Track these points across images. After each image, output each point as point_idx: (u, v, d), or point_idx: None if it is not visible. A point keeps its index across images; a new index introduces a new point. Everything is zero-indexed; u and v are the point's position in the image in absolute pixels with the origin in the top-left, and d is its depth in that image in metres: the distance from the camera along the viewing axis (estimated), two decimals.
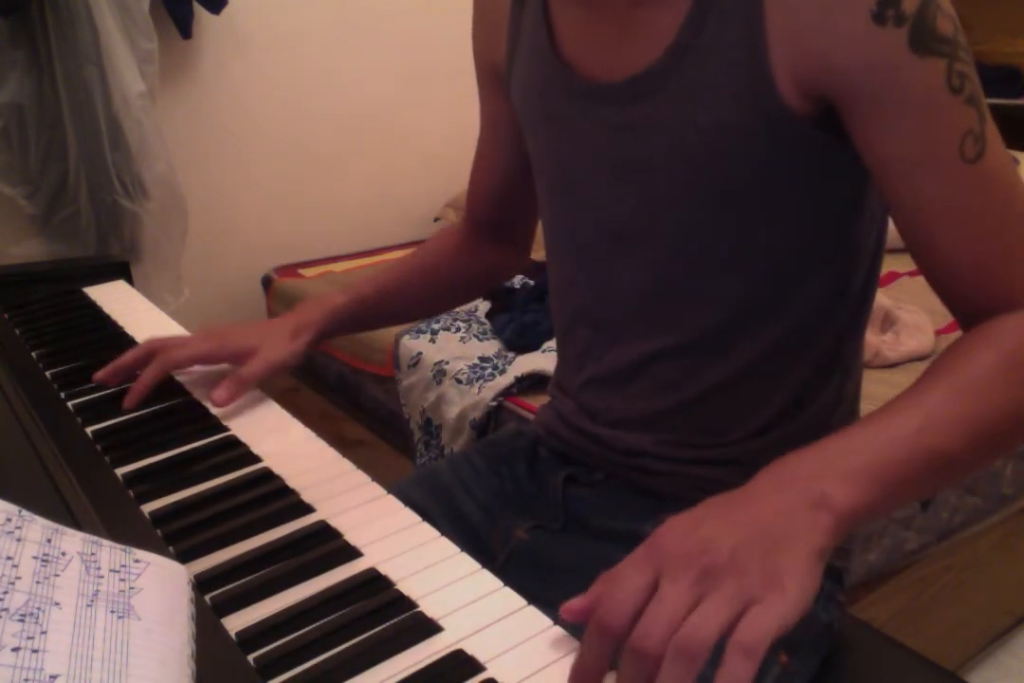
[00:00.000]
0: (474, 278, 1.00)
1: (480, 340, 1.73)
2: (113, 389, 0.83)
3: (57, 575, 0.46)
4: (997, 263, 0.60)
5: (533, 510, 0.82)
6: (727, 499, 0.50)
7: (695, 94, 0.64)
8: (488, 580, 0.57)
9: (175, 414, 0.79)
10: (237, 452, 0.72)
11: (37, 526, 0.48)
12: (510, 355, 1.65)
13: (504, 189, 0.91)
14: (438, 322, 1.78)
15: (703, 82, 0.63)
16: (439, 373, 1.64)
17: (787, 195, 0.66)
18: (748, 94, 0.62)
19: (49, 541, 0.48)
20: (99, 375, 0.82)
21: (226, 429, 0.76)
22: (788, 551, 0.46)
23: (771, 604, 0.43)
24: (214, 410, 0.79)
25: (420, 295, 0.97)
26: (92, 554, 0.49)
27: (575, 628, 0.52)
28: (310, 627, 0.52)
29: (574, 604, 0.48)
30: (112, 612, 0.45)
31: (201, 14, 1.98)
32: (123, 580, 0.48)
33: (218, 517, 0.63)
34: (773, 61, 0.60)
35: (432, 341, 1.73)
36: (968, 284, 0.62)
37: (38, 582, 0.44)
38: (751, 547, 0.45)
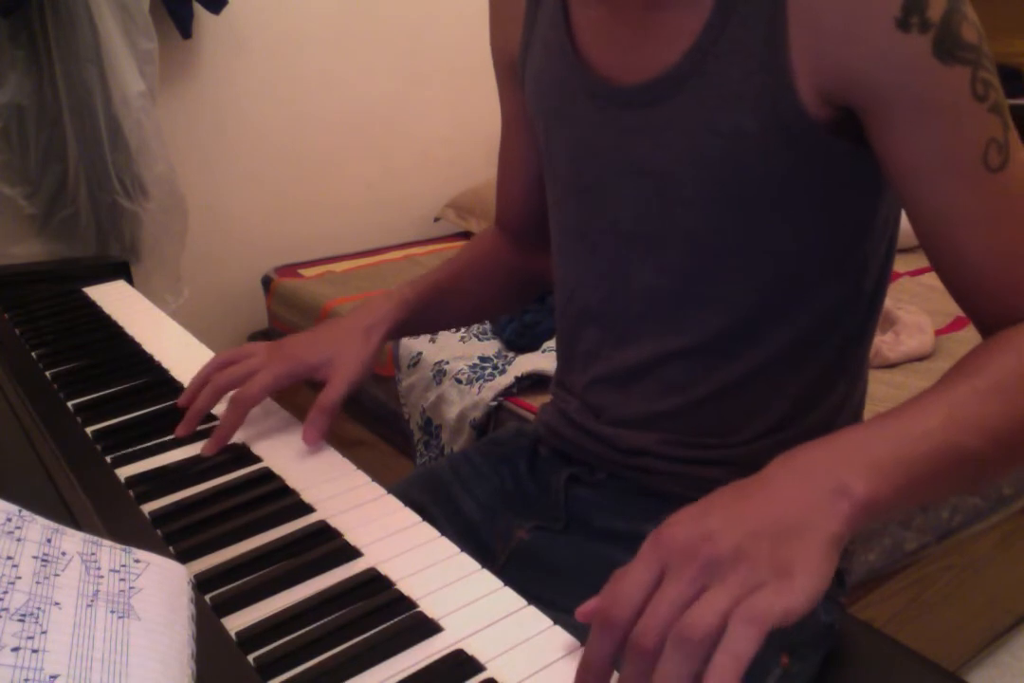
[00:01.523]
0: (522, 284, 0.97)
1: (480, 340, 1.73)
2: (113, 389, 0.83)
3: (57, 575, 0.46)
4: (1021, 273, 0.60)
5: (534, 510, 0.82)
6: (738, 488, 0.49)
7: (713, 98, 0.63)
8: (488, 580, 0.57)
9: (175, 414, 0.79)
10: (237, 452, 0.72)
11: (37, 526, 0.48)
12: (510, 355, 1.65)
13: (533, 190, 0.88)
14: None
15: (722, 86, 0.63)
16: (439, 373, 1.64)
17: (802, 201, 0.66)
18: (767, 99, 0.61)
19: (49, 541, 0.48)
20: (180, 430, 0.74)
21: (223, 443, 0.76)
22: (800, 539, 0.44)
23: (777, 592, 0.42)
24: (214, 410, 0.79)
25: (471, 298, 0.93)
26: (92, 554, 0.49)
27: (576, 628, 0.52)
28: (310, 627, 0.52)
29: (588, 606, 0.47)
30: (112, 612, 0.45)
31: (201, 14, 1.98)
32: (123, 580, 0.48)
33: (218, 517, 0.63)
34: (794, 67, 0.60)
35: (432, 341, 1.73)
36: (991, 293, 0.61)
37: (38, 582, 0.44)
38: (758, 538, 0.44)
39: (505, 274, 0.95)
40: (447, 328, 0.98)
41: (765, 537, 0.44)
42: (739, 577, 0.43)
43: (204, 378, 0.77)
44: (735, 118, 0.63)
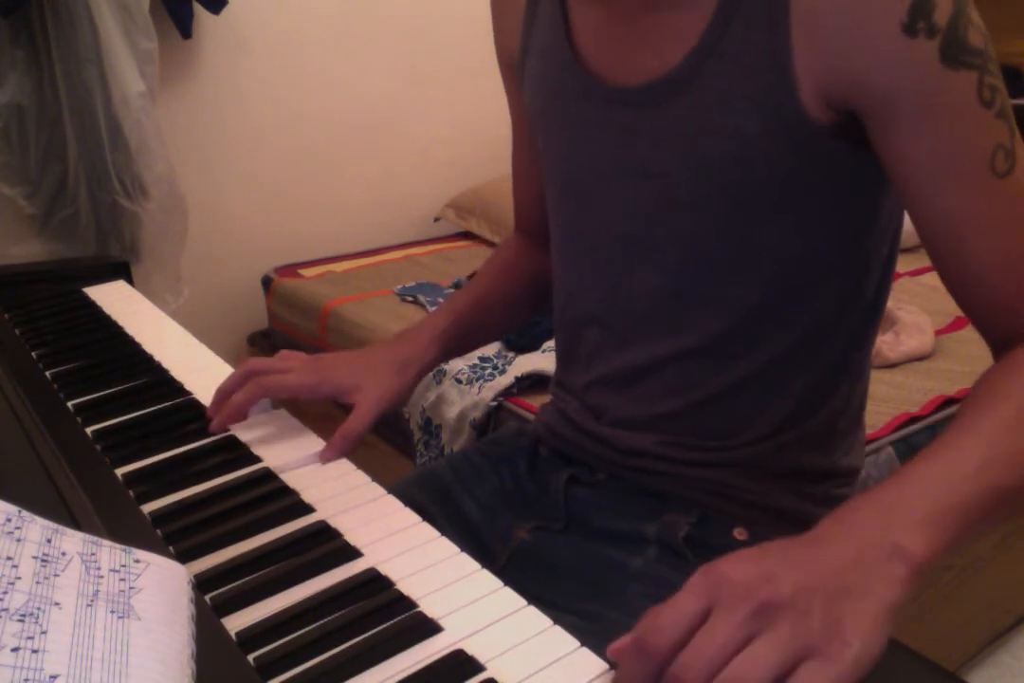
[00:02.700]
0: (544, 286, 0.94)
1: None
2: (113, 389, 0.83)
3: (57, 575, 0.46)
4: None
5: (534, 510, 0.82)
6: (794, 542, 0.47)
7: (714, 100, 0.63)
8: (488, 580, 0.57)
9: (175, 414, 0.79)
10: (237, 452, 0.72)
11: (37, 526, 0.48)
12: (510, 355, 1.65)
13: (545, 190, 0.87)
14: None
15: (723, 89, 0.63)
16: (439, 373, 1.64)
17: (803, 203, 0.65)
18: (769, 102, 0.61)
19: (49, 541, 0.48)
20: (210, 412, 0.76)
21: (226, 429, 0.76)
22: (858, 602, 0.42)
23: (829, 660, 0.40)
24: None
25: (502, 312, 0.93)
26: (92, 554, 0.48)
27: (576, 628, 0.52)
28: (310, 627, 0.52)
29: (621, 643, 0.45)
30: (112, 612, 0.45)
31: (201, 14, 1.98)
32: (123, 580, 0.48)
33: (218, 517, 0.63)
34: (797, 70, 0.60)
35: None
36: (999, 303, 0.61)
37: (38, 582, 0.44)
38: (816, 591, 0.42)
39: (529, 279, 0.94)
40: (484, 344, 0.99)
41: (822, 593, 0.42)
42: (792, 629, 0.41)
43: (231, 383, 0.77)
44: (737, 120, 0.62)
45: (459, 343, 0.88)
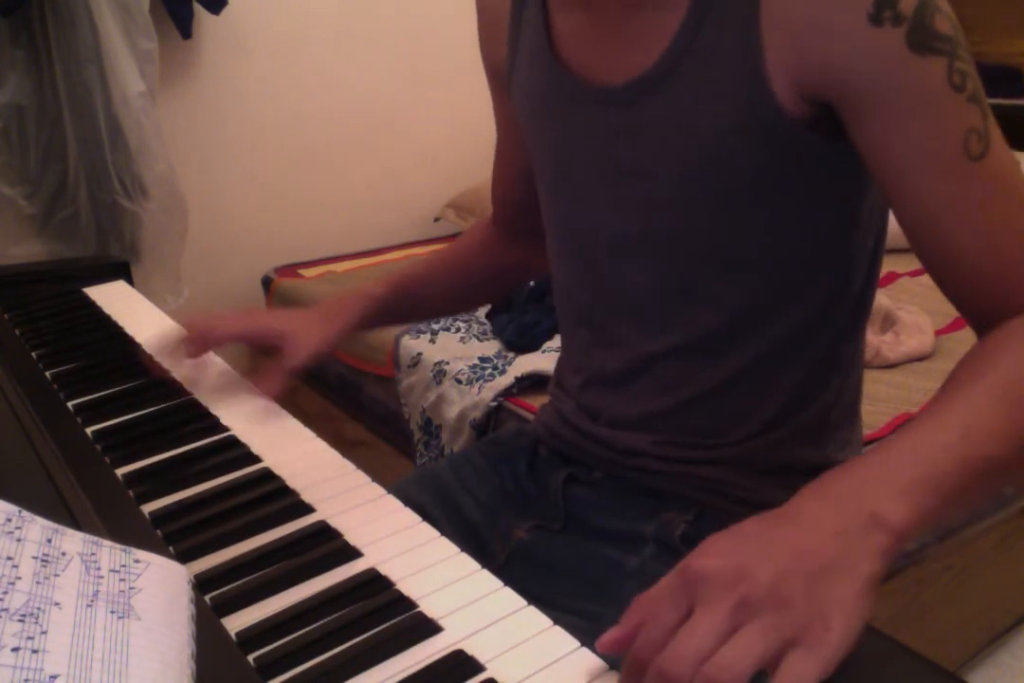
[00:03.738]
0: (500, 275, 1.00)
1: (480, 340, 1.73)
2: (113, 389, 0.83)
3: (57, 575, 0.46)
4: (1010, 262, 0.60)
5: (533, 510, 0.82)
6: (769, 519, 0.47)
7: (692, 98, 0.64)
8: (488, 580, 0.57)
9: (175, 414, 0.79)
10: (237, 452, 0.72)
11: (37, 526, 0.48)
12: (510, 355, 1.65)
13: (526, 188, 0.89)
14: (438, 322, 1.78)
15: (700, 86, 0.63)
16: (439, 373, 1.64)
17: (784, 199, 0.66)
18: (744, 98, 0.62)
19: (49, 541, 0.48)
20: (153, 352, 0.86)
21: (226, 429, 0.76)
22: (838, 580, 0.43)
23: (814, 647, 0.40)
24: (214, 410, 0.79)
25: (446, 290, 0.97)
26: (92, 554, 0.49)
27: (575, 628, 0.52)
28: (310, 627, 0.52)
29: (609, 636, 0.45)
30: (112, 612, 0.45)
31: (201, 14, 1.98)
32: (123, 580, 0.48)
33: (218, 517, 0.63)
34: (769, 65, 0.60)
35: (432, 341, 1.73)
36: (981, 286, 0.61)
37: (38, 582, 0.44)
38: (794, 575, 0.42)
39: (484, 264, 0.98)
40: (425, 318, 1.05)
41: (800, 575, 0.43)
42: (774, 619, 0.41)
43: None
44: (713, 117, 0.63)
45: (390, 309, 0.93)
